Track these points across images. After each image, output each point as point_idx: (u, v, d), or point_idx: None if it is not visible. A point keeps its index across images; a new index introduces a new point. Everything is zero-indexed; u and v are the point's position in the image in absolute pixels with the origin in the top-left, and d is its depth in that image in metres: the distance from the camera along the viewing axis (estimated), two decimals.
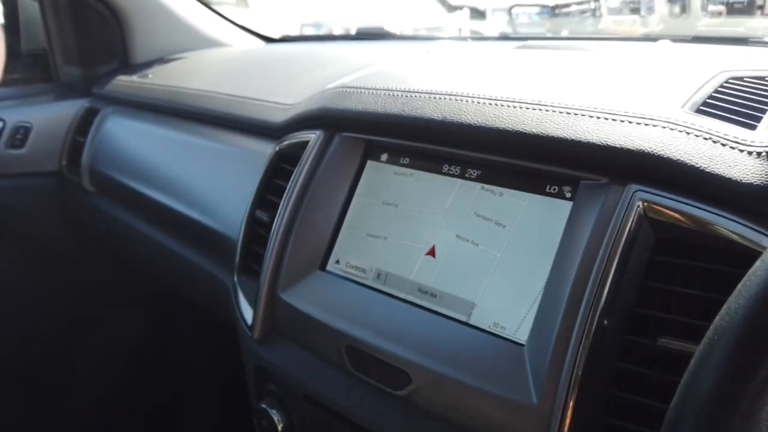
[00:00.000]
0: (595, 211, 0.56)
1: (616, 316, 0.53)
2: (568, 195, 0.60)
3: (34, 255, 1.43)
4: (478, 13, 4.00)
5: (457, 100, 0.68)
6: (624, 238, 0.53)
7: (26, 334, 1.44)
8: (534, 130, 0.61)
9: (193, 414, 1.58)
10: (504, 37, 1.49)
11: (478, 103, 0.66)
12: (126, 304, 1.53)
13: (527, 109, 0.63)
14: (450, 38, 1.43)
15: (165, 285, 1.19)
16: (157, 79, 1.34)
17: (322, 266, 0.75)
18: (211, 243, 0.98)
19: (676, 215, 0.52)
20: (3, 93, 1.44)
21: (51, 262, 1.44)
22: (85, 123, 1.37)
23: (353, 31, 1.50)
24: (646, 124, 0.56)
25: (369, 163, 0.77)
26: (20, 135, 1.36)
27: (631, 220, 0.54)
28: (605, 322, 0.52)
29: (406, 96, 0.73)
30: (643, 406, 0.51)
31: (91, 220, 1.37)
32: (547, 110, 0.62)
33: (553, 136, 0.59)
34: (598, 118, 0.59)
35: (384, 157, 0.76)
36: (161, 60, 1.48)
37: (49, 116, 1.40)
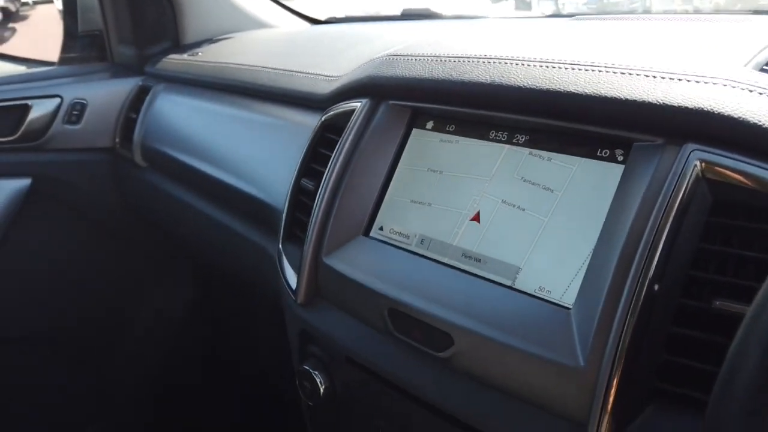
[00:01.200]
0: (648, 173, 0.55)
1: (669, 279, 0.51)
2: (620, 158, 0.59)
3: (86, 228, 1.48)
4: (524, 4, 3.95)
5: (506, 63, 0.67)
6: (679, 200, 0.52)
7: (77, 306, 1.49)
8: (586, 91, 0.59)
9: (238, 383, 1.61)
10: (553, 15, 1.46)
11: (528, 65, 0.65)
12: (173, 276, 1.57)
13: (579, 70, 0.61)
14: (498, 17, 1.41)
15: (211, 257, 1.22)
16: (206, 56, 1.37)
17: (366, 232, 0.76)
18: (257, 213, 0.99)
19: (736, 175, 0.50)
20: (61, 71, 1.50)
21: (103, 236, 1.49)
22: (137, 100, 1.41)
23: (399, 13, 1.49)
24: (706, 83, 0.54)
25: (414, 131, 0.77)
26: (76, 111, 1.40)
27: (687, 181, 0.52)
28: (656, 285, 0.51)
29: (454, 61, 0.72)
30: (694, 369, 0.49)
31: (142, 194, 1.41)
32: (600, 71, 0.60)
33: (606, 97, 0.58)
34: (655, 77, 0.57)
35: (430, 124, 0.75)
36: (210, 40, 1.51)
37: (104, 94, 1.45)
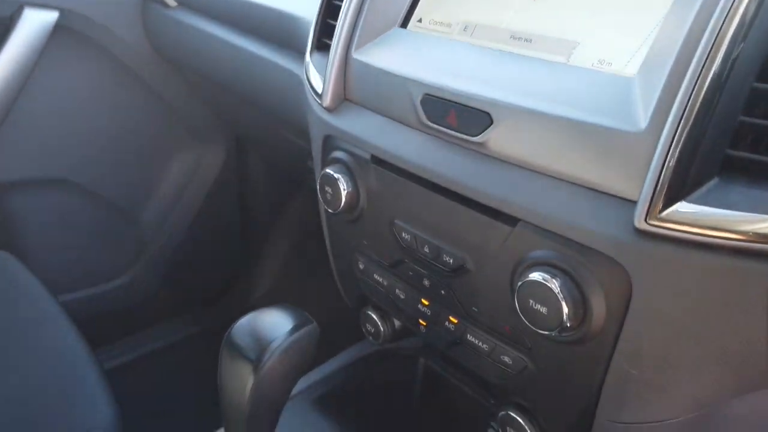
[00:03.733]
0: None
1: (750, 40, 0.43)
2: None
3: (114, 73, 1.44)
4: None
5: None
6: None
7: (101, 152, 1.47)
8: None
9: (267, 243, 1.61)
10: None
11: None
12: (203, 133, 1.53)
13: None
14: None
15: (241, 89, 1.16)
16: None
17: (403, 25, 0.68)
18: (287, 33, 0.93)
19: None
20: None
21: (131, 81, 1.45)
22: None
23: None
24: None
25: None
26: None
27: None
28: (734, 49, 0.43)
29: None
30: None
31: (172, 35, 1.35)
32: None
33: None
34: None
35: None
36: None
37: None
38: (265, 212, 1.64)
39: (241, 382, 0.58)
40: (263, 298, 1.68)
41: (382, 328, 0.78)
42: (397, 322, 0.79)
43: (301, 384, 0.85)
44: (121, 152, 1.47)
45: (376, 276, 0.72)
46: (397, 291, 0.70)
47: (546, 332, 0.51)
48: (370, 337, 0.81)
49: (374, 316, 0.78)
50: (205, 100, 1.47)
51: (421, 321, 0.68)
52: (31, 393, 0.86)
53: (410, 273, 0.67)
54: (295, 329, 0.60)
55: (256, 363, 0.57)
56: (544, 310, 0.51)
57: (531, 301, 0.51)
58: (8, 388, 0.86)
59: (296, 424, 0.79)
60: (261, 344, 0.58)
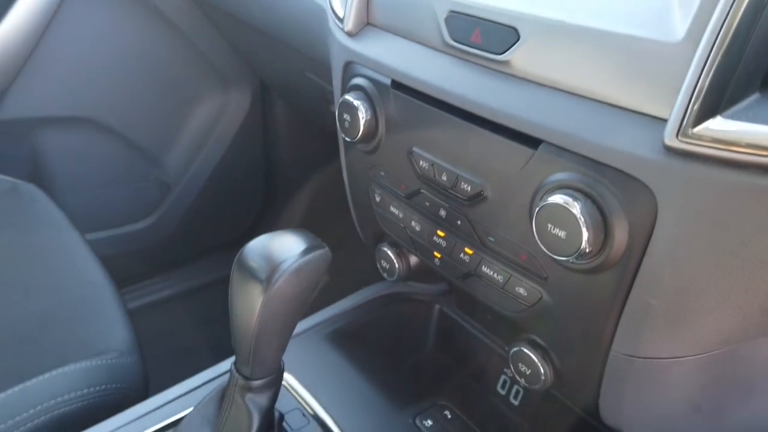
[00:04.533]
0: None
1: None
2: None
3: (141, 12, 1.42)
4: None
5: None
6: None
7: (128, 94, 1.46)
8: None
9: (285, 187, 1.61)
10: None
11: None
12: (230, 77, 1.52)
13: None
14: None
15: (268, 25, 1.14)
16: None
17: None
18: None
19: None
20: None
21: (163, 26, 1.43)
22: None
23: None
24: None
25: None
26: None
27: None
28: None
29: None
30: None
31: None
32: None
33: None
34: None
35: None
36: None
37: None
38: (289, 158, 1.64)
39: (250, 302, 0.58)
40: None
41: (397, 265, 0.77)
42: (412, 260, 0.78)
43: (314, 319, 0.85)
44: (148, 95, 1.47)
45: (392, 208, 0.71)
46: (412, 223, 0.68)
47: (563, 258, 0.49)
48: (385, 274, 0.80)
49: (389, 253, 0.77)
50: (231, 43, 1.46)
51: (435, 253, 0.67)
52: (51, 315, 0.87)
53: (426, 204, 0.65)
54: (307, 251, 0.59)
55: (266, 283, 0.57)
56: (562, 234, 0.48)
57: (549, 226, 0.49)
58: (29, 309, 0.88)
59: (306, 357, 0.78)
60: (272, 264, 0.57)
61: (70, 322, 0.86)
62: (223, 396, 0.64)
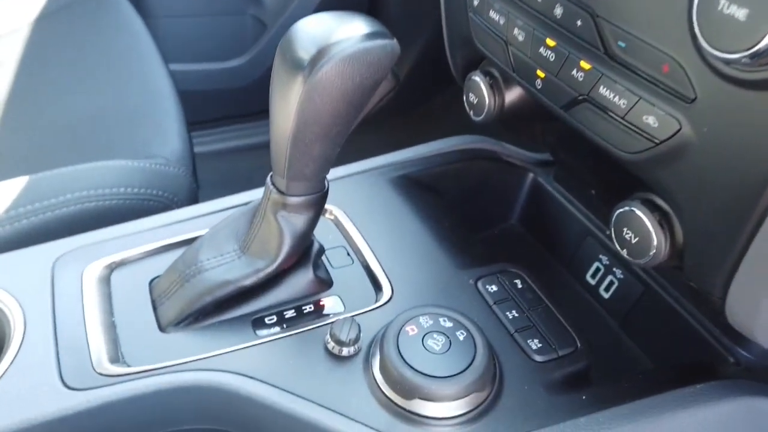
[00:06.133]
0: None
1: None
2: None
3: None
4: None
5: None
6: None
7: None
8: None
9: None
10: None
11: None
12: None
13: None
14: None
15: None
16: None
17: None
18: None
19: None
20: None
21: None
22: None
23: None
24: None
25: None
26: None
27: None
28: None
29: None
30: None
31: None
32: None
33: None
34: None
35: None
36: None
37: None
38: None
39: (289, 93, 0.46)
40: None
41: (487, 99, 0.61)
42: (507, 97, 0.62)
43: (382, 160, 0.72)
44: None
45: (492, 13, 0.54)
46: (515, 31, 0.52)
47: (733, 55, 0.32)
48: (472, 112, 0.65)
49: (480, 83, 0.61)
50: None
51: (539, 72, 0.50)
52: (109, 112, 0.82)
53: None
54: (367, 37, 0.45)
55: (309, 68, 0.44)
56: (741, 14, 0.31)
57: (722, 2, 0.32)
58: (90, 104, 0.83)
59: (365, 197, 0.67)
60: (318, 46, 0.44)
61: (126, 123, 0.80)
62: (255, 211, 0.55)
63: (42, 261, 0.55)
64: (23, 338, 0.47)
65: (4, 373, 0.45)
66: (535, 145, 0.77)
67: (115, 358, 0.48)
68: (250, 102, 1.52)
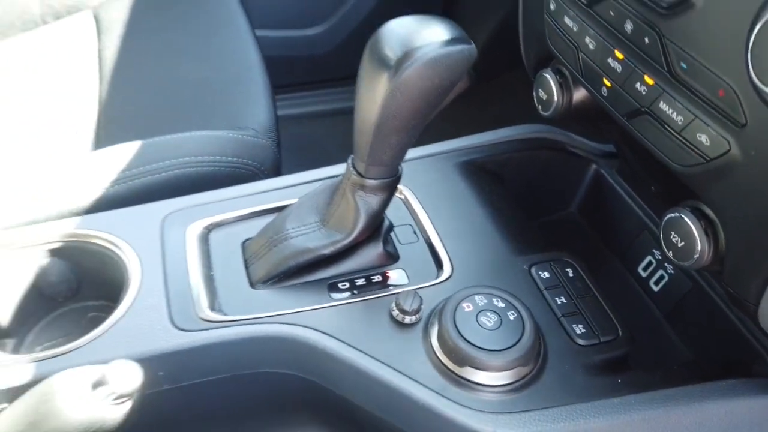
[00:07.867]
0: None
1: None
2: None
3: None
4: None
5: None
6: None
7: None
8: None
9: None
10: None
11: None
12: None
13: None
14: None
15: None
16: None
17: None
18: None
19: None
20: None
21: None
22: None
23: None
24: None
25: None
26: None
27: None
28: None
29: None
30: None
31: None
32: None
33: None
34: None
35: None
36: None
37: None
38: None
39: (375, 90, 0.51)
40: None
41: (556, 97, 0.65)
42: (576, 96, 0.65)
43: (450, 144, 0.77)
44: None
45: (566, 19, 0.58)
46: (587, 39, 0.55)
47: None
48: (540, 107, 0.69)
49: (551, 81, 0.65)
50: None
51: (606, 81, 0.54)
52: (202, 83, 0.89)
53: (611, 12, 0.51)
54: (449, 43, 0.50)
55: (395, 70, 0.49)
56: None
57: None
58: (184, 75, 0.91)
59: (432, 180, 0.72)
60: (405, 49, 0.49)
61: (219, 93, 0.88)
62: (336, 189, 0.62)
63: (153, 218, 0.64)
64: (141, 283, 0.57)
65: (125, 313, 0.55)
66: (600, 137, 0.80)
67: (214, 306, 0.57)
68: (328, 69, 1.57)
